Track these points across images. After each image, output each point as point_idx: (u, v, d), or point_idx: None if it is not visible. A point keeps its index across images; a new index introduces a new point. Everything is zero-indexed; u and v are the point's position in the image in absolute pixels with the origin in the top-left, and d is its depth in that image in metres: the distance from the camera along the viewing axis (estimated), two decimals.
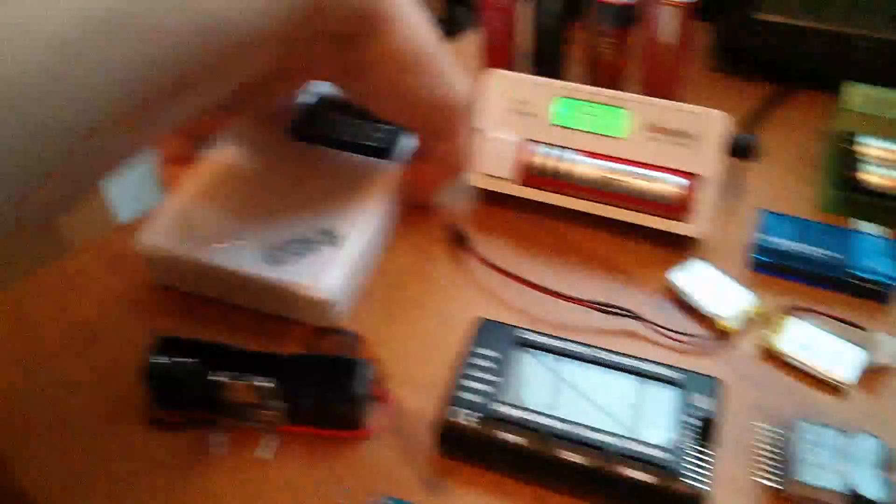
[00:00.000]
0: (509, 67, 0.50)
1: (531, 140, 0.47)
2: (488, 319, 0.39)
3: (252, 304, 0.42)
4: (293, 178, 0.45)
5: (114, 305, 0.43)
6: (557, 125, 0.47)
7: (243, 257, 0.41)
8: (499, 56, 0.57)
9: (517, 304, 0.43)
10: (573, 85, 0.47)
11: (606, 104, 0.46)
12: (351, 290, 0.42)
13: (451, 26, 0.75)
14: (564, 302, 0.42)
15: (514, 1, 0.53)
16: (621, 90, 0.47)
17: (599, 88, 0.47)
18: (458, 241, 0.46)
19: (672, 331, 0.41)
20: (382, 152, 0.47)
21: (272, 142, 0.47)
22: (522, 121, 0.48)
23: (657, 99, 0.46)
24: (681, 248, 0.45)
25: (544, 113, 0.47)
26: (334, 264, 0.41)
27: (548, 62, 0.56)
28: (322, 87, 0.49)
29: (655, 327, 0.41)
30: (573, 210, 0.47)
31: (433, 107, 0.40)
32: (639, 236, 0.46)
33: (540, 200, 0.48)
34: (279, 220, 0.43)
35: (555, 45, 0.56)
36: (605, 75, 0.55)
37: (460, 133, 0.43)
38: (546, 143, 0.47)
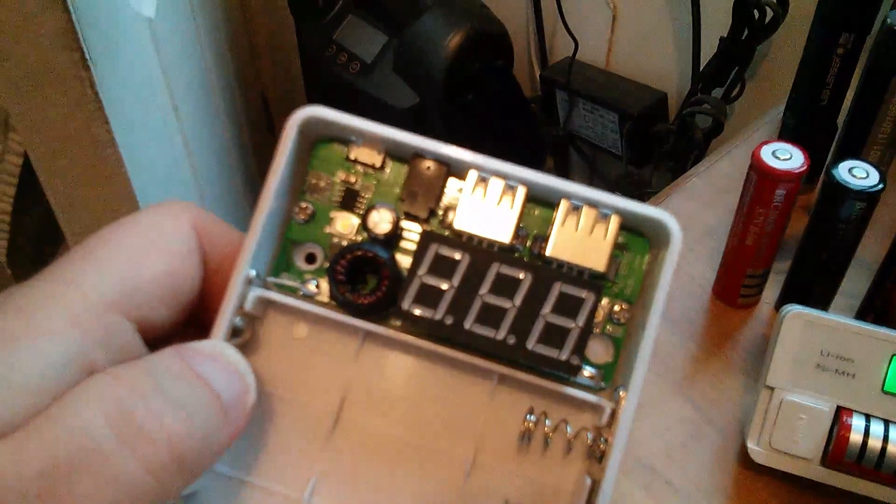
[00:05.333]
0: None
1: (847, 409, 0.34)
2: None
3: None
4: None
5: None
6: (892, 394, 0.34)
7: None
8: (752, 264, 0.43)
9: None
10: None
11: None
12: None
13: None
14: None
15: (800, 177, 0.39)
16: None
17: None
18: None
19: None
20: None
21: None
22: (836, 382, 0.34)
23: None
24: None
25: (872, 374, 0.34)
26: None
27: (879, 304, 0.41)
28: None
29: None
30: None
31: None
32: None
33: (856, 492, 0.34)
34: None
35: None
36: None
37: None
38: (870, 415, 0.34)
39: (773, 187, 0.37)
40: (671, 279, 0.20)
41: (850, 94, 0.45)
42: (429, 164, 0.21)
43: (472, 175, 0.20)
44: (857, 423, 0.34)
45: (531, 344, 0.19)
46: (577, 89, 0.91)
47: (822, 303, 0.41)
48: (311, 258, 0.21)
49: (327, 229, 0.21)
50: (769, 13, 0.74)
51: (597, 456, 0.20)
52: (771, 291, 0.43)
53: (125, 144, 0.48)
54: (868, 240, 0.39)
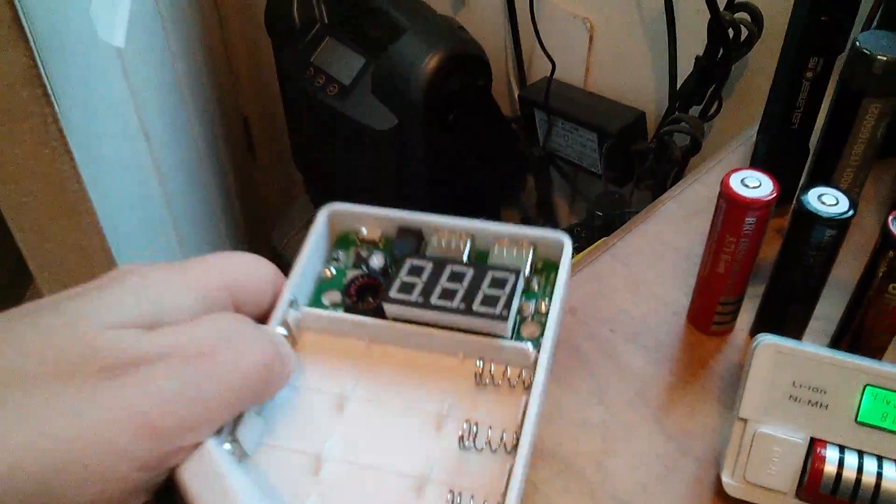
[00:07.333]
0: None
1: (821, 440, 0.34)
2: None
3: None
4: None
5: None
6: (865, 424, 0.33)
7: None
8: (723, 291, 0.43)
9: None
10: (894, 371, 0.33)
11: None
12: None
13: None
14: None
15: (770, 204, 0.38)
16: None
17: None
18: None
19: None
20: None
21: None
22: (810, 413, 0.34)
23: None
24: None
25: (845, 405, 0.34)
26: None
27: (853, 329, 0.40)
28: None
29: None
30: None
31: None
32: None
33: None
34: None
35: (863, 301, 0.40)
36: None
37: None
38: (844, 447, 0.33)
39: (743, 215, 0.37)
40: (568, 274, 0.31)
41: (821, 117, 0.45)
42: (408, 229, 0.32)
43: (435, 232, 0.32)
44: (831, 454, 0.33)
45: (475, 307, 0.29)
46: (556, 109, 0.91)
47: (797, 329, 0.41)
48: (333, 302, 0.32)
49: (344, 281, 0.32)
50: (744, 31, 0.74)
51: (528, 386, 0.28)
52: (745, 317, 0.43)
53: (91, 178, 0.47)
54: (844, 263, 0.38)
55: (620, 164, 0.88)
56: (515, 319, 0.30)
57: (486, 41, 0.92)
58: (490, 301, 0.28)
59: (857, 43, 0.42)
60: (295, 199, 1.20)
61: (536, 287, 0.31)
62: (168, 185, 0.68)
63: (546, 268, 0.31)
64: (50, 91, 0.43)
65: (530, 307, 0.30)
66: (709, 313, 0.42)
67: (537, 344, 0.29)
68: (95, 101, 0.52)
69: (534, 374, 0.28)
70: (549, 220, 1.06)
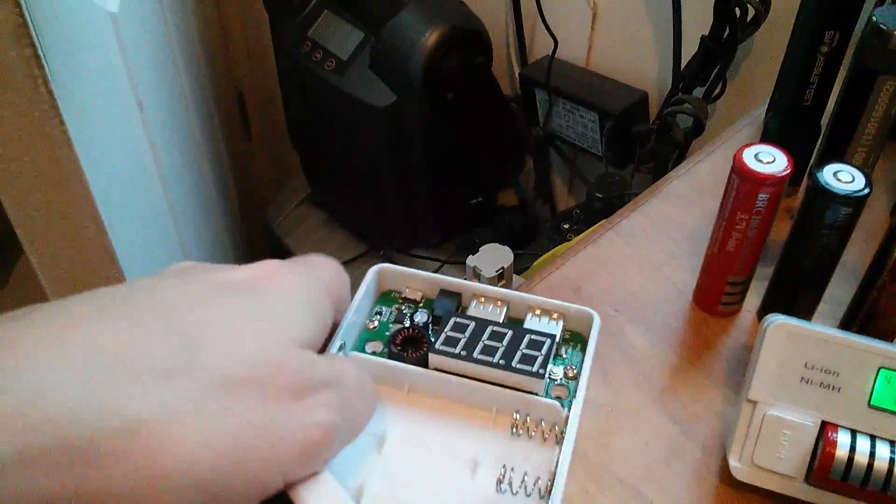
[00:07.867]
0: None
1: (832, 424, 0.33)
2: None
3: None
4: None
5: None
6: (879, 408, 0.32)
7: None
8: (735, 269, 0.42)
9: None
10: None
11: None
12: None
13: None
14: None
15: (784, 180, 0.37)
16: None
17: None
18: None
19: None
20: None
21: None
22: (821, 396, 0.33)
23: None
24: None
25: (858, 388, 0.33)
26: None
27: (864, 312, 0.39)
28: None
29: None
30: None
31: None
32: None
33: None
34: None
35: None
36: None
37: None
38: (856, 431, 0.32)
39: (756, 191, 0.36)
40: (597, 341, 0.33)
41: (834, 94, 0.44)
42: (449, 292, 0.35)
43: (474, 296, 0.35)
44: (843, 438, 0.32)
45: (514, 363, 0.31)
46: (557, 88, 0.89)
47: (806, 311, 0.40)
48: (375, 351, 0.34)
49: (387, 333, 0.34)
50: (751, 11, 0.72)
51: (560, 440, 0.30)
52: (753, 298, 0.42)
53: (82, 144, 0.46)
54: (852, 244, 0.37)
55: (621, 145, 0.87)
56: (546, 380, 0.32)
57: (487, 17, 0.90)
58: (528, 360, 0.31)
59: (874, 18, 0.40)
60: (290, 176, 1.18)
61: (564, 355, 0.34)
62: (161, 156, 0.66)
63: (573, 338, 0.34)
64: (40, 52, 0.42)
65: (559, 372, 0.33)
66: (716, 293, 0.41)
67: (566, 404, 0.32)
68: (88, 66, 0.50)
69: (565, 429, 0.30)
70: (548, 202, 1.05)
